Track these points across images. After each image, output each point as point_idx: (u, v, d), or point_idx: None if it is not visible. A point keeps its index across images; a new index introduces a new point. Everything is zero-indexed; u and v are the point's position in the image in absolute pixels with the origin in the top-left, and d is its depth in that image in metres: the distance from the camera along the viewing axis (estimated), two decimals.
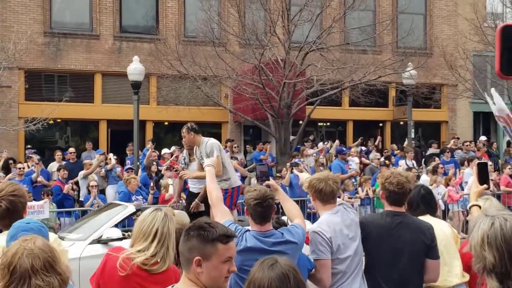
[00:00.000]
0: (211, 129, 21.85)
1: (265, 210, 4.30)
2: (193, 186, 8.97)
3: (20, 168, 12.83)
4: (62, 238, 6.06)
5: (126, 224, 9.95)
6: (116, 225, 8.79)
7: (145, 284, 3.71)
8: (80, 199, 13.37)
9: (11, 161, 14.13)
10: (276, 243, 4.28)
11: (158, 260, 3.72)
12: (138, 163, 15.52)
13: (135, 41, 20.22)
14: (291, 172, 13.52)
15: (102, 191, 13.74)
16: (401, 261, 4.71)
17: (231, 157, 15.40)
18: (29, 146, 17.16)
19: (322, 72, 17.73)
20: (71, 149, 15.67)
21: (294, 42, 17.75)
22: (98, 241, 8.21)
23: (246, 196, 4.37)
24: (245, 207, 4.41)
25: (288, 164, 14.37)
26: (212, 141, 8.42)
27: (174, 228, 3.84)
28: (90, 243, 8.14)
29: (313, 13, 17.67)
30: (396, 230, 4.74)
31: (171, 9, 20.71)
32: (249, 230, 4.34)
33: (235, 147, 17.17)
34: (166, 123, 21.09)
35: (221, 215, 4.45)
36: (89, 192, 12.81)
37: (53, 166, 14.43)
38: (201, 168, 8.35)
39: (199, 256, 2.88)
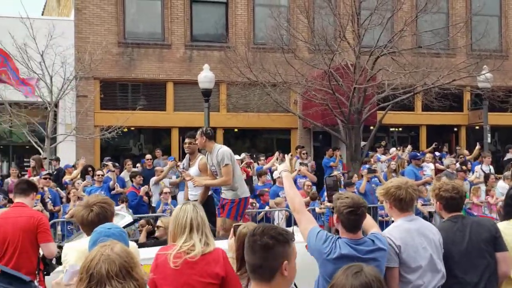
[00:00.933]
0: (281, 136, 21.88)
1: (358, 218, 4.20)
2: (190, 193, 8.91)
3: (99, 175, 13.17)
4: (60, 248, 6.08)
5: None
6: None
7: (195, 270, 4.04)
8: (153, 205, 13.60)
9: (89, 168, 14.51)
10: (369, 251, 4.17)
11: (202, 246, 4.06)
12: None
13: (206, 50, 20.48)
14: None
15: (174, 197, 13.93)
16: (478, 261, 4.59)
17: (301, 163, 15.33)
18: (108, 158, 17.45)
19: (394, 76, 17.41)
20: (148, 156, 15.90)
21: (364, 47, 17.50)
22: None
23: (338, 203, 4.25)
24: (334, 215, 4.31)
25: (366, 171, 14.12)
26: (224, 149, 8.26)
27: (205, 215, 4.22)
28: None
29: (384, 16, 17.39)
30: (465, 232, 4.65)
31: (241, 17, 20.89)
32: (340, 238, 4.25)
33: (303, 154, 17.08)
34: (236, 129, 21.24)
35: (306, 222, 4.35)
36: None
37: (125, 176, 14.72)
38: (212, 174, 8.38)
39: (285, 259, 2.91)
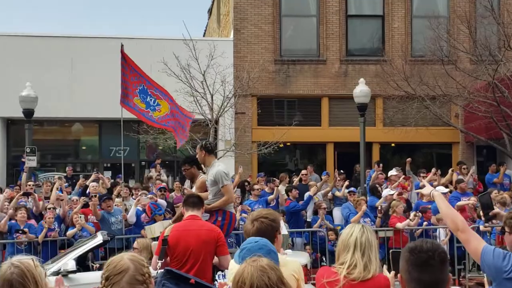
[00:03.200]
0: (441, 150, 21.06)
1: None
2: None
3: (257, 189, 13.47)
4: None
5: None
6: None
7: None
8: (308, 219, 13.63)
9: (246, 183, 14.87)
10: None
11: (361, 269, 3.88)
12: (364, 185, 15.43)
13: (361, 64, 20.31)
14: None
15: (329, 213, 13.85)
16: None
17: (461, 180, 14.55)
18: (262, 173, 17.70)
19: None
20: (304, 171, 15.98)
21: None
22: (57, 273, 7.92)
23: None
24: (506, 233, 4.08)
25: None
26: (219, 169, 7.96)
27: (374, 238, 4.02)
28: (50, 275, 7.44)
29: None
30: None
31: (398, 30, 20.48)
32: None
33: (463, 169, 16.25)
34: (392, 144, 20.77)
35: (476, 240, 3.99)
36: (316, 213, 12.99)
37: (281, 189, 14.86)
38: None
39: None
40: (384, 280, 3.94)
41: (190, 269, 6.09)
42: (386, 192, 13.19)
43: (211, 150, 8.29)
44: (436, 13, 19.39)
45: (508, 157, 17.27)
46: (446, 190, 13.15)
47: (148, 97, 11.64)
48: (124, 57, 11.54)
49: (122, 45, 11.68)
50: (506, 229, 4.11)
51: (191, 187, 8.88)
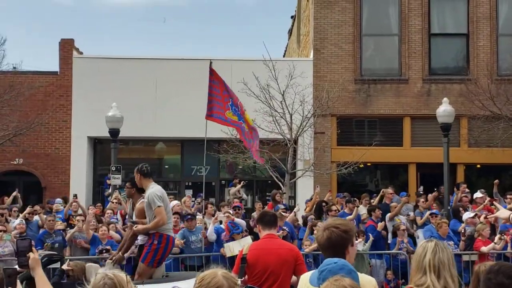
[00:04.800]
0: None
1: None
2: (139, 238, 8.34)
3: (335, 211, 13.33)
4: None
5: None
6: None
7: None
8: (388, 241, 13.33)
9: (324, 204, 14.73)
10: None
11: None
12: (448, 207, 14.98)
13: (445, 83, 19.85)
14: None
15: (409, 235, 13.49)
16: None
17: None
18: (341, 194, 17.39)
19: None
20: (389, 190, 15.58)
21: None
22: None
23: None
24: None
25: None
26: (152, 191, 7.72)
27: (448, 257, 3.86)
28: None
29: None
30: None
31: (483, 48, 19.90)
32: None
33: None
34: (478, 165, 20.08)
35: None
36: (396, 235, 12.69)
37: (361, 210, 14.65)
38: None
39: None
40: None
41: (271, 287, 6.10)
42: (466, 215, 12.76)
43: (147, 174, 8.07)
44: None
45: None
46: None
47: (238, 110, 12.04)
48: (213, 73, 11.89)
49: (211, 62, 12.08)
50: None
51: (133, 209, 8.67)
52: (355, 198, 15.11)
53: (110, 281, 3.05)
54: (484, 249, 11.33)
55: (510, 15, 20.18)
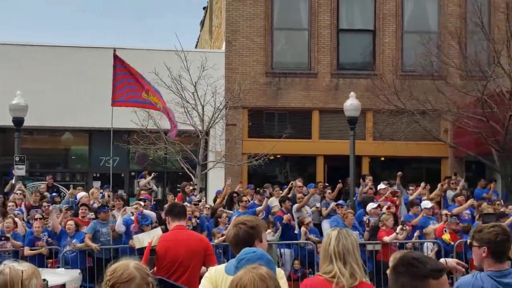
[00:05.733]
0: (430, 165, 21.14)
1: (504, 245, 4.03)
2: None
3: (245, 201, 13.46)
4: None
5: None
6: None
7: None
8: (295, 232, 13.59)
9: (235, 195, 14.86)
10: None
11: (345, 277, 3.85)
12: (354, 199, 15.47)
13: (352, 78, 20.41)
14: None
15: (316, 225, 13.82)
16: None
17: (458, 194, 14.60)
18: (251, 185, 17.58)
19: None
20: (299, 183, 15.90)
21: None
22: None
23: (486, 231, 4.09)
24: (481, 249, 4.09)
25: None
26: None
27: (352, 243, 3.97)
28: None
29: None
30: None
31: (389, 44, 20.61)
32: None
33: (452, 183, 16.34)
34: (382, 158, 20.84)
35: None
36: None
37: (273, 201, 14.88)
38: None
39: None
40: (370, 286, 3.97)
41: (178, 279, 6.08)
42: (370, 206, 13.25)
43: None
44: (427, 29, 19.56)
45: (497, 172, 17.38)
46: (430, 205, 13.25)
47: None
48: (119, 60, 11.71)
49: (114, 50, 11.80)
50: (474, 243, 4.13)
51: None
52: (265, 189, 15.33)
53: (2, 277, 2.88)
54: (386, 239, 11.79)
55: (415, 13, 20.99)
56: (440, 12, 20.61)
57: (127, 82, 12.08)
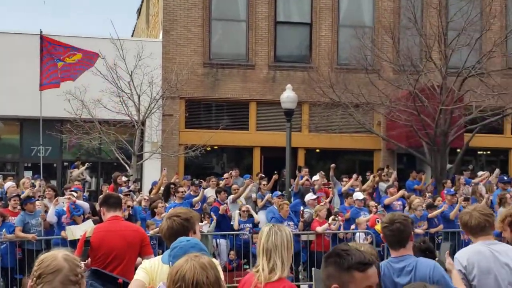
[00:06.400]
0: (363, 157, 21.59)
1: (393, 234, 4.30)
2: None
3: (181, 192, 13.41)
4: None
5: None
6: None
7: None
8: (231, 223, 13.66)
9: (172, 186, 14.76)
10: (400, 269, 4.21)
11: (268, 272, 3.96)
12: (290, 190, 15.65)
13: (289, 70, 20.58)
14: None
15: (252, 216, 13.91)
16: None
17: (388, 186, 14.97)
18: (187, 176, 17.51)
19: (482, 98, 16.90)
20: (226, 175, 16.08)
21: (451, 68, 17.12)
22: None
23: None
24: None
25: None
26: None
27: (282, 240, 4.05)
28: None
29: (472, 37, 16.97)
30: None
31: (325, 38, 20.88)
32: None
33: (383, 175, 16.76)
34: (317, 150, 21.15)
35: None
36: (241, 216, 13.04)
37: (208, 192, 14.89)
38: None
39: (336, 284, 2.80)
40: (289, 283, 4.02)
41: (113, 270, 6.00)
42: (308, 197, 13.45)
43: None
44: (362, 23, 19.93)
45: (427, 164, 17.92)
46: (362, 196, 13.56)
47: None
48: (45, 42, 11.40)
49: (41, 31, 11.50)
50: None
51: None
52: (201, 180, 15.33)
53: None
54: (319, 229, 12.02)
55: (350, 7, 21.31)
56: (375, 6, 21.02)
57: (54, 63, 11.75)
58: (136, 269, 6.10)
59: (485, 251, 4.44)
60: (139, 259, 6.18)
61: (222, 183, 15.39)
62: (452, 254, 4.64)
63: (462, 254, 4.53)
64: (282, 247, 4.03)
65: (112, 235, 6.15)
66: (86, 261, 5.96)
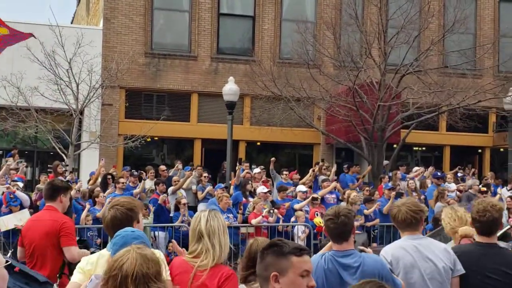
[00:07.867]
0: (303, 151, 21.85)
1: (337, 227, 4.27)
2: None
3: (122, 183, 13.25)
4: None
5: None
6: None
7: (198, 279, 3.95)
8: (170, 215, 13.60)
9: (109, 177, 14.56)
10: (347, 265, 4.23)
11: (205, 257, 3.97)
12: (230, 182, 15.69)
13: (231, 63, 20.57)
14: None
15: (192, 208, 13.91)
16: None
17: (323, 180, 15.20)
18: (128, 167, 17.31)
19: (419, 95, 17.36)
20: (162, 167, 16.02)
21: (390, 65, 17.49)
22: None
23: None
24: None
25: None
26: None
27: (219, 224, 4.07)
28: None
29: (411, 35, 17.39)
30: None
31: (267, 32, 20.96)
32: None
33: (324, 169, 17.00)
34: (258, 143, 21.25)
35: None
36: (178, 209, 12.99)
37: (147, 183, 14.75)
38: None
39: (275, 271, 2.90)
40: (227, 269, 4.06)
41: (36, 261, 5.85)
42: (260, 190, 13.55)
43: None
44: (304, 18, 20.10)
45: (364, 159, 18.27)
46: (305, 189, 13.74)
47: None
48: None
49: None
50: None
51: None
52: (141, 171, 15.19)
53: None
54: (253, 221, 12.14)
55: (293, 1, 21.47)
56: (317, 2, 21.24)
57: None
58: (63, 265, 5.95)
59: (409, 246, 4.53)
60: (73, 250, 5.93)
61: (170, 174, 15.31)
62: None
63: (388, 250, 4.60)
64: (220, 232, 4.07)
65: (36, 224, 6.01)
66: (10, 252, 5.84)
